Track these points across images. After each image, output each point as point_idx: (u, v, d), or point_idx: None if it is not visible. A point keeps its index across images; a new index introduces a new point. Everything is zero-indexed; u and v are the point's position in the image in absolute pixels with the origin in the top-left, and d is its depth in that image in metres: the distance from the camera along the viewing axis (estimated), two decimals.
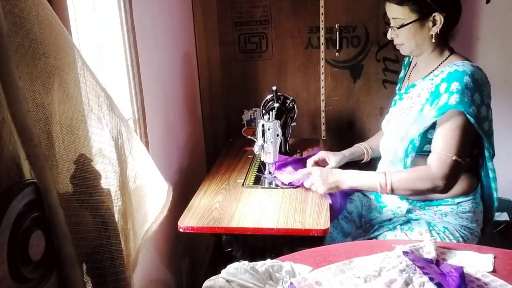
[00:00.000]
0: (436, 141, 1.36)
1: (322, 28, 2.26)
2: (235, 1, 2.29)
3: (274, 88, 1.88)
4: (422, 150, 1.43)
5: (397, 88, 1.71)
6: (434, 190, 1.36)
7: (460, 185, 1.45)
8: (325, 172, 1.50)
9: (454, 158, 1.32)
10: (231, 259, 1.11)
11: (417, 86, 1.49)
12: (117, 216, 0.91)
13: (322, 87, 2.36)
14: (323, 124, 2.42)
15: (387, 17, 1.48)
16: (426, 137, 1.41)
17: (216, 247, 2.41)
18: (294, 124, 2.01)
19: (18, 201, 0.68)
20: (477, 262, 1.10)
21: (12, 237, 0.66)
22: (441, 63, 1.45)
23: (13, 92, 0.66)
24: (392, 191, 1.39)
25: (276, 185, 1.66)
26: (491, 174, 1.46)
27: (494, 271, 1.07)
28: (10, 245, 0.66)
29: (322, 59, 2.31)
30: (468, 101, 1.31)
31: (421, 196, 1.47)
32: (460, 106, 1.31)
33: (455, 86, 1.33)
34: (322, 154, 1.70)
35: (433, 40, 1.41)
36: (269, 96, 1.94)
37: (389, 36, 1.48)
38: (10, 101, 0.66)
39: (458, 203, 1.46)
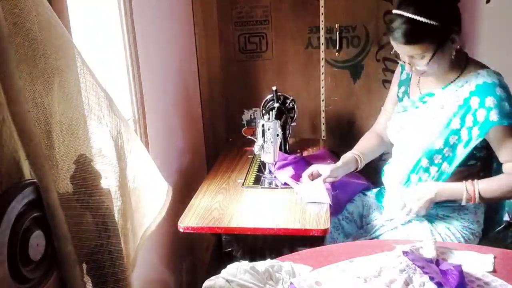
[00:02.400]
0: (504, 153, 1.38)
1: (322, 28, 2.26)
2: (235, 1, 2.28)
3: (274, 88, 1.88)
4: (467, 165, 1.44)
5: (401, 91, 1.61)
6: None
7: None
8: (415, 193, 1.44)
9: None
10: (231, 259, 1.11)
11: (437, 96, 1.45)
12: (117, 216, 0.91)
13: (322, 87, 2.35)
14: (323, 124, 2.42)
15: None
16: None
17: (216, 247, 2.41)
18: (294, 124, 2.00)
19: (18, 201, 0.68)
20: (477, 262, 1.10)
21: (12, 237, 0.66)
22: (462, 72, 1.42)
23: (13, 92, 0.66)
24: (481, 199, 1.39)
25: (276, 185, 1.66)
26: None
27: (494, 271, 1.07)
28: (10, 245, 0.66)
29: (322, 59, 2.31)
30: (506, 112, 1.33)
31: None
32: (504, 120, 1.32)
33: (491, 101, 1.33)
34: (314, 167, 1.62)
35: (453, 57, 1.38)
36: (269, 96, 1.94)
37: (408, 70, 1.43)
38: (10, 101, 0.66)
39: (460, 204, 1.46)
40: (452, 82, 1.43)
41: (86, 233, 0.82)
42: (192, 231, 1.40)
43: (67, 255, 0.76)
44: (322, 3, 2.22)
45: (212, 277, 1.03)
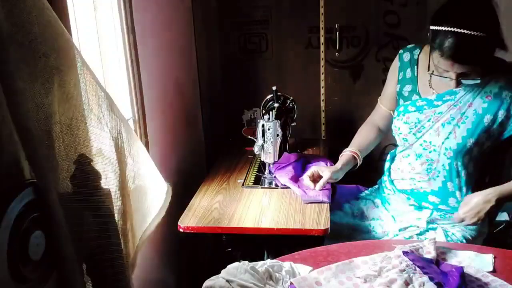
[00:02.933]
0: None
1: (322, 28, 2.26)
2: (235, 1, 2.29)
3: (274, 88, 1.88)
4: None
5: (406, 90, 1.52)
6: None
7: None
8: (476, 206, 1.36)
9: None
10: (231, 259, 1.11)
11: (461, 94, 1.39)
12: (117, 216, 0.91)
13: (322, 87, 2.35)
14: (323, 124, 2.42)
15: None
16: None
17: (216, 247, 2.41)
18: (294, 124, 2.00)
19: (18, 201, 0.68)
20: (477, 262, 1.10)
21: (12, 237, 0.66)
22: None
23: (13, 92, 0.66)
24: None
25: (276, 185, 1.66)
26: None
27: (494, 271, 1.07)
28: (10, 245, 0.66)
29: (322, 59, 2.31)
30: None
31: None
32: None
33: None
34: (314, 169, 1.59)
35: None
36: (269, 96, 1.94)
37: (454, 86, 1.35)
38: (10, 101, 0.66)
39: None
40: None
41: (86, 233, 0.82)
42: (192, 231, 1.40)
43: (67, 255, 0.76)
44: (322, 3, 2.22)
45: (212, 277, 1.03)
